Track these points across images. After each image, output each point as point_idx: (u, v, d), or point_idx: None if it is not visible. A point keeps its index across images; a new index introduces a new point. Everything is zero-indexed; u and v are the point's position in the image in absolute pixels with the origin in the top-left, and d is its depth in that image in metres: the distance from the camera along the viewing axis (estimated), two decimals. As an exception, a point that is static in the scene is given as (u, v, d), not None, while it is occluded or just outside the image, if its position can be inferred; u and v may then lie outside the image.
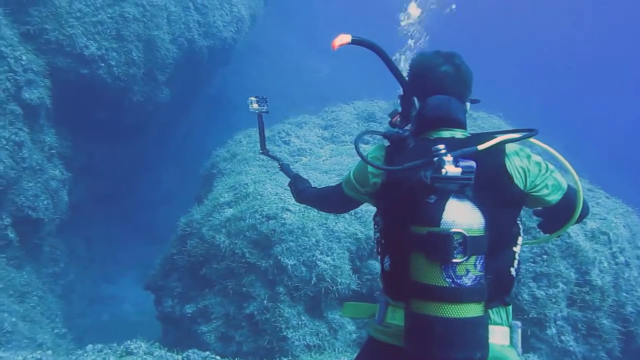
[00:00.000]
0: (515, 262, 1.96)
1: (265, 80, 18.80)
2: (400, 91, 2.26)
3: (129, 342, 4.50)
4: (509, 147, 1.99)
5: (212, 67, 13.70)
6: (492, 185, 1.90)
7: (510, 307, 1.99)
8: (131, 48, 8.69)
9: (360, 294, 5.46)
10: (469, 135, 2.08)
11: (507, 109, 10.34)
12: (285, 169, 3.41)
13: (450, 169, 1.74)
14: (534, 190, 2.00)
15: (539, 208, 2.23)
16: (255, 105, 3.55)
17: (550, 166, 2.06)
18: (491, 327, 1.86)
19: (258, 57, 20.26)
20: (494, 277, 1.85)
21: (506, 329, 1.95)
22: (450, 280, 1.73)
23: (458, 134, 2.07)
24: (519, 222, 2.01)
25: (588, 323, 5.74)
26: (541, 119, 21.23)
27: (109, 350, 4.41)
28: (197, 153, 13.03)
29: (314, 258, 5.26)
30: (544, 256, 5.72)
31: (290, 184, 3.15)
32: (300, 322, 5.23)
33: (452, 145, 1.88)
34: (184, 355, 4.55)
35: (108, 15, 8.26)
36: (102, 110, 9.35)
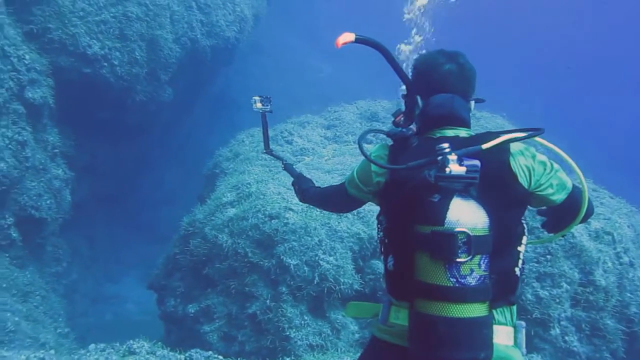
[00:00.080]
0: (520, 261, 1.95)
1: (268, 80, 18.83)
2: (404, 90, 2.25)
3: (131, 341, 4.49)
4: (514, 147, 1.98)
5: (215, 67, 13.71)
6: (496, 185, 1.88)
7: (514, 307, 1.97)
8: (134, 47, 8.70)
9: (363, 293, 5.45)
10: (473, 134, 2.07)
11: (510, 109, 10.33)
12: (288, 168, 3.40)
13: (455, 167, 1.73)
14: (538, 189, 1.98)
15: (544, 207, 2.22)
16: (259, 105, 3.53)
17: (555, 165, 2.04)
18: (495, 327, 1.85)
19: (261, 57, 20.28)
20: (499, 276, 1.84)
21: (510, 329, 1.93)
22: (455, 280, 1.71)
23: (462, 132, 2.05)
24: (523, 221, 1.99)
25: (592, 323, 5.72)
26: (542, 118, 21.20)
27: (112, 350, 4.40)
28: (199, 152, 13.05)
29: (317, 258, 5.25)
30: (548, 256, 5.70)
31: (293, 184, 3.14)
32: (302, 322, 5.22)
33: (456, 144, 1.87)
34: (187, 354, 4.55)
35: (111, 14, 8.27)
36: (105, 109, 9.36)
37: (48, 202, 7.67)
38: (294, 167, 3.41)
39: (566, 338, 5.60)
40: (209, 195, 6.91)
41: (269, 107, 3.56)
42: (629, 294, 5.92)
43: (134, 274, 12.31)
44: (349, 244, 5.51)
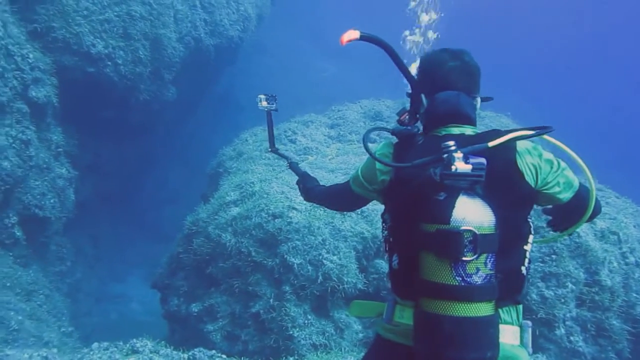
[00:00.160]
0: (526, 260, 1.93)
1: (272, 80, 18.83)
2: (409, 88, 2.24)
3: (134, 340, 4.49)
4: (520, 145, 1.96)
5: (219, 66, 13.73)
6: (502, 183, 1.86)
7: (520, 307, 1.96)
8: (138, 46, 8.71)
9: (367, 293, 5.44)
10: (479, 131, 2.05)
11: (514, 109, 10.29)
12: (293, 167, 3.39)
13: (460, 165, 1.71)
14: (545, 187, 1.96)
15: (550, 206, 2.20)
16: (264, 103, 3.53)
17: (562, 163, 2.02)
18: (502, 327, 1.83)
19: (265, 57, 20.31)
20: (505, 275, 1.82)
21: (517, 329, 1.92)
22: (460, 279, 1.70)
23: (468, 130, 2.03)
24: (529, 220, 1.97)
25: (597, 323, 5.69)
26: (543, 118, 21.12)
27: (115, 349, 4.40)
28: (203, 152, 13.07)
29: (321, 257, 5.24)
30: (553, 256, 5.67)
31: (298, 182, 3.13)
32: (306, 321, 5.21)
33: (462, 141, 1.85)
34: (190, 354, 4.54)
35: (115, 13, 8.28)
36: (108, 108, 9.38)
37: (52, 201, 7.68)
38: (299, 165, 3.40)
39: (571, 338, 5.57)
40: (212, 194, 6.91)
41: (274, 105, 3.56)
42: (634, 294, 5.89)
43: (138, 273, 12.33)
44: (352, 243, 5.50)
